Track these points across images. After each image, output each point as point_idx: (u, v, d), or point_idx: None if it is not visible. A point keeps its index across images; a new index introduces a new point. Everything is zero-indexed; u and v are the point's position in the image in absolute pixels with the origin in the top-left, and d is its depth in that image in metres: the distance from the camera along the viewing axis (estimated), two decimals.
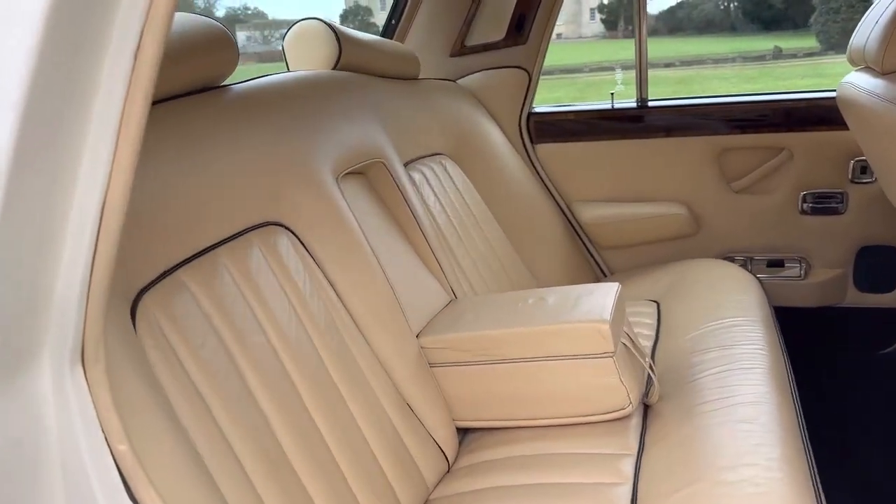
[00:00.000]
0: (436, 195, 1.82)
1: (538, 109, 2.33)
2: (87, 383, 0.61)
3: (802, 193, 2.15)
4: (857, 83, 1.53)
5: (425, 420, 1.33)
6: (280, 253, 1.19)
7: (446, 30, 2.24)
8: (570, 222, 2.29)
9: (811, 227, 2.17)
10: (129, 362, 0.79)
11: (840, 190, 2.12)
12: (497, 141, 2.19)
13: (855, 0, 9.99)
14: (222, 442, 0.91)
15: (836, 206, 2.13)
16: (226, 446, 0.92)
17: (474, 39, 2.27)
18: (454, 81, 2.26)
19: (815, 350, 2.12)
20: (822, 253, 2.18)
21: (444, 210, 1.82)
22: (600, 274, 2.33)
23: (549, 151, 2.29)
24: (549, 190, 2.28)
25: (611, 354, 1.28)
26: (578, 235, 2.30)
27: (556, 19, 2.20)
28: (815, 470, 1.10)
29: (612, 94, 2.23)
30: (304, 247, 1.25)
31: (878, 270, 2.16)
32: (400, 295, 1.40)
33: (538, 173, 2.28)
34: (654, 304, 1.91)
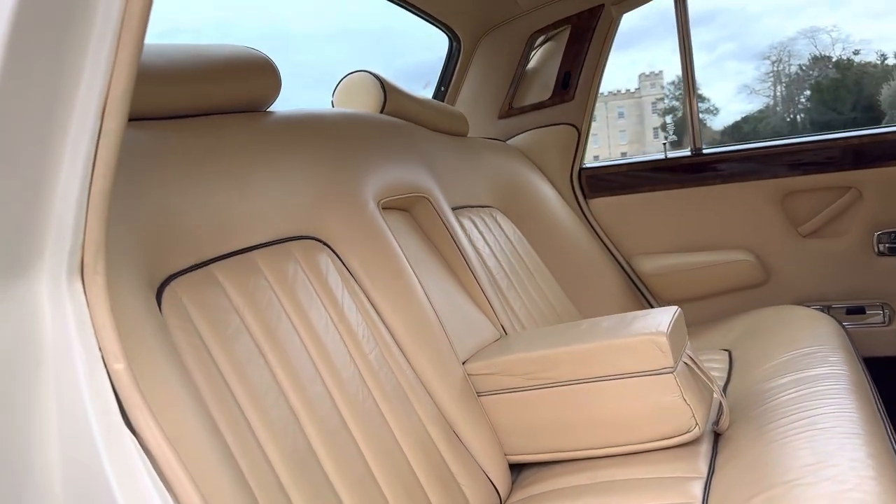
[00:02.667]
0: (485, 241, 1.79)
1: (589, 164, 2.31)
2: (86, 298, 0.59)
3: (877, 233, 2.02)
4: None
5: (473, 451, 1.24)
6: (319, 267, 1.17)
7: (493, 94, 2.29)
8: (629, 277, 2.21)
9: (891, 269, 2.02)
10: (147, 326, 0.77)
11: None
12: (549, 197, 2.17)
13: None
14: (246, 429, 0.87)
15: None
16: (249, 433, 0.87)
17: (522, 100, 2.30)
18: (504, 141, 2.28)
19: None
20: None
21: (493, 255, 1.78)
22: None
23: (603, 205, 2.25)
24: (605, 244, 2.22)
25: (671, 369, 1.18)
26: (640, 290, 2.21)
27: (601, 74, 2.22)
28: None
29: (664, 143, 2.20)
30: (345, 265, 1.23)
31: None
32: (445, 322, 1.35)
33: (593, 228, 2.23)
34: (726, 353, 1.78)
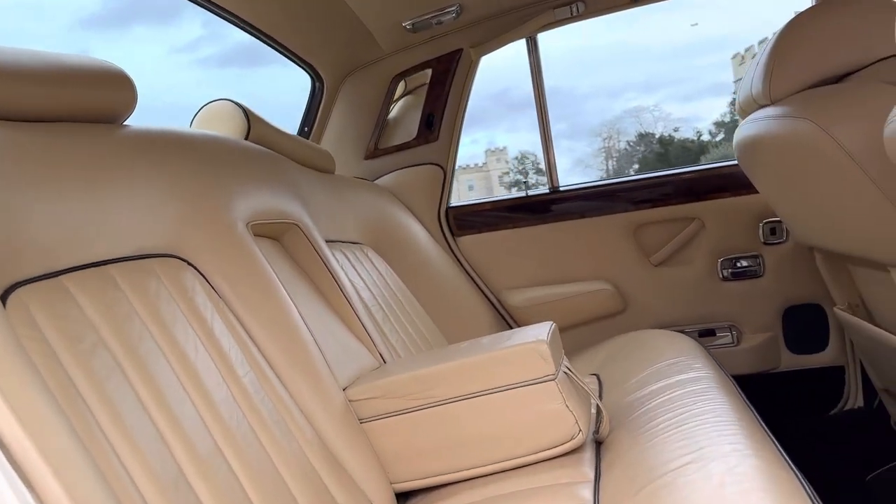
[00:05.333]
0: (359, 275, 1.76)
1: (455, 203, 2.35)
2: None
3: (720, 260, 2.19)
4: (749, 120, 1.61)
5: (358, 479, 1.18)
6: (184, 286, 1.09)
7: (358, 135, 2.29)
8: (498, 311, 2.25)
9: (734, 293, 2.19)
10: None
11: (755, 253, 2.17)
12: (418, 235, 2.18)
13: None
14: (108, 447, 0.77)
15: (754, 269, 2.17)
16: (111, 451, 0.77)
17: (387, 141, 2.32)
18: (371, 181, 2.28)
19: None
20: (749, 317, 2.18)
21: (367, 288, 1.75)
22: None
23: (471, 242, 2.28)
24: (474, 280, 2.25)
25: (552, 377, 1.19)
26: (508, 323, 2.25)
27: (463, 115, 2.29)
28: (786, 456, 1.01)
29: (524, 182, 2.29)
30: (212, 286, 1.16)
31: (806, 330, 2.17)
32: (323, 348, 1.29)
33: (462, 264, 2.26)
34: (595, 377, 1.84)
